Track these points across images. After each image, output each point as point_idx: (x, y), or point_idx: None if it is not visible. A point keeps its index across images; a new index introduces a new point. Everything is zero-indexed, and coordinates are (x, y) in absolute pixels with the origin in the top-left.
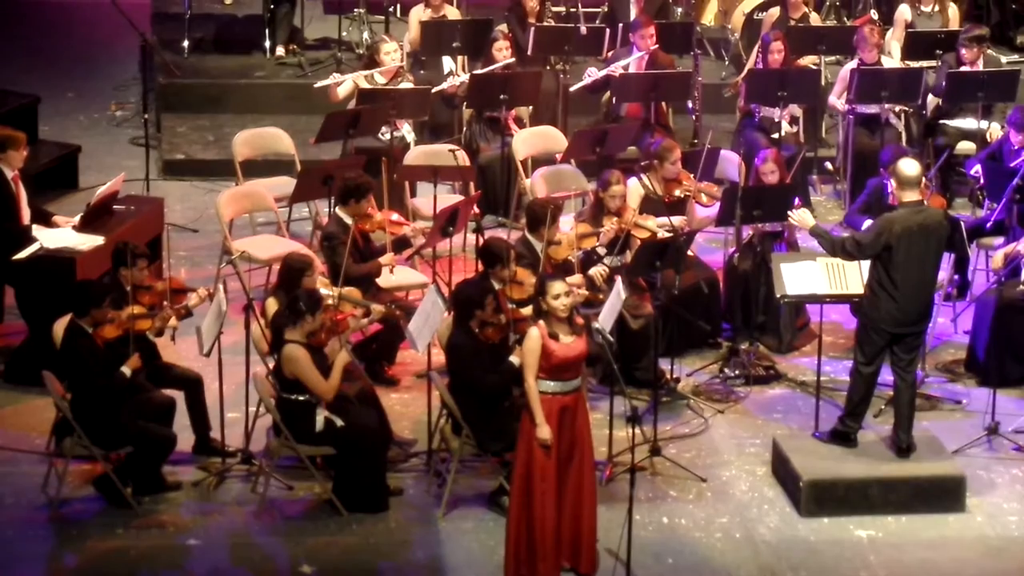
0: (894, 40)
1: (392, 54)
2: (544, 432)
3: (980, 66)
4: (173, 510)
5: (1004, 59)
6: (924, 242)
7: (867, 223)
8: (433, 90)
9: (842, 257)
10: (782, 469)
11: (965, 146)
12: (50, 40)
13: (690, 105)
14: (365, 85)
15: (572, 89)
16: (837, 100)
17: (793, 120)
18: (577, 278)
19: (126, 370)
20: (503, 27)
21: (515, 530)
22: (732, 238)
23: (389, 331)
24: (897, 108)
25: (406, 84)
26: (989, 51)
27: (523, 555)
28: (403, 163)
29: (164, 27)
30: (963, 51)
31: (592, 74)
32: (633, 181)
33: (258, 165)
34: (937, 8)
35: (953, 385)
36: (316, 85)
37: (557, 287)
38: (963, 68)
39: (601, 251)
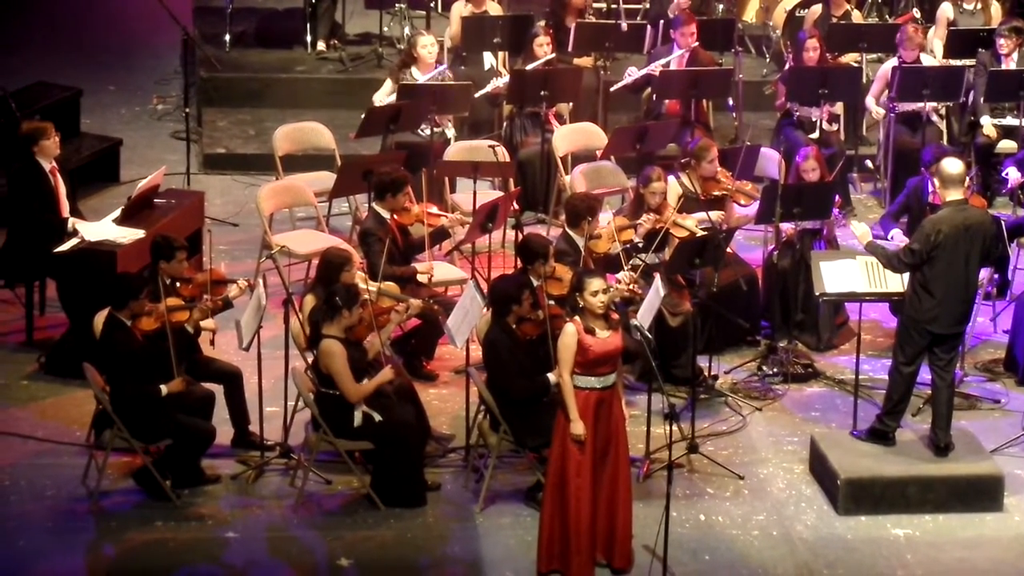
0: (936, 38)
1: (429, 47)
2: (578, 428)
3: (1015, 58)
4: (212, 503)
5: None
6: (968, 242)
7: (895, 231)
8: (477, 95)
9: (901, 269)
10: (820, 467)
11: (1007, 145)
12: (92, 33)
13: (730, 103)
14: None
15: (613, 89)
16: (873, 103)
17: (833, 118)
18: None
19: (163, 388)
20: (543, 23)
21: (549, 524)
22: (771, 236)
23: (428, 327)
24: (940, 107)
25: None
26: None
27: (556, 549)
28: (443, 158)
29: (206, 21)
30: (1000, 41)
31: (632, 74)
32: (672, 180)
33: (298, 160)
34: (980, 6)
35: (992, 384)
36: (376, 104)
37: (595, 283)
38: (1001, 61)
39: (639, 244)
